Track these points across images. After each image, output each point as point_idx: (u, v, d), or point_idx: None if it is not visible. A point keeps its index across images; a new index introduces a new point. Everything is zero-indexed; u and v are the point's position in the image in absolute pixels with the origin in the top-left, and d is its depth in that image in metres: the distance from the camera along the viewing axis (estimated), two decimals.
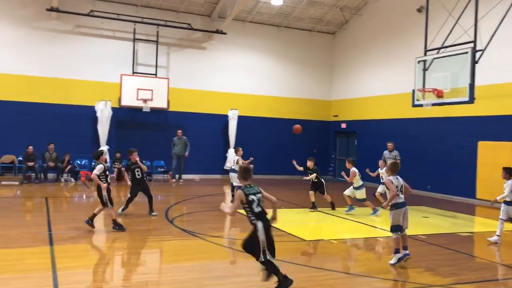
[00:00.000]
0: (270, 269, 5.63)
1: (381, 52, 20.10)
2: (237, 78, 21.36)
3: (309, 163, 12.68)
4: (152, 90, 18.79)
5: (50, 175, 17.10)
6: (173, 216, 10.86)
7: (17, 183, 15.87)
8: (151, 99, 18.75)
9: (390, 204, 7.27)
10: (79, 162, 18.01)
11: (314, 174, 12.55)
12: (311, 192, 12.49)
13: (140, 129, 19.40)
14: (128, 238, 8.58)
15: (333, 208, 12.44)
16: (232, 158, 16.77)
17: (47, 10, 17.94)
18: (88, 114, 18.46)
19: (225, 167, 20.58)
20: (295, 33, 22.59)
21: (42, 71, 18.24)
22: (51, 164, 16.76)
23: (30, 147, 16.43)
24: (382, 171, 12.64)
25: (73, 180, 17.31)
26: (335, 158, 23.20)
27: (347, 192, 12.34)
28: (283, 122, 21.79)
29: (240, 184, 6.06)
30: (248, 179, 5.91)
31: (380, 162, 13.25)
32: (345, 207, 12.33)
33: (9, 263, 6.64)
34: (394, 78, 19.04)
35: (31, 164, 16.16)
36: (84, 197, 14.48)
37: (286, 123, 21.93)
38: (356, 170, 12.08)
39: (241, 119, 20.78)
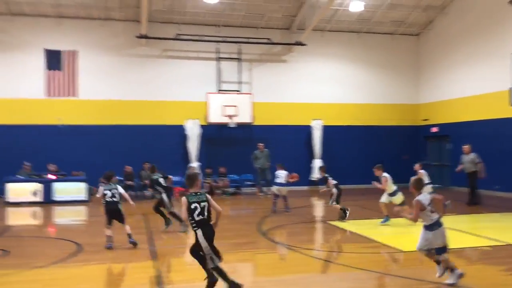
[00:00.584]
0: (221, 276, 5.72)
1: (471, 50, 19.02)
2: (319, 88, 21.27)
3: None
4: (236, 106, 19.28)
5: (147, 193, 18.05)
6: (265, 228, 10.97)
7: None
8: (236, 115, 19.22)
9: (425, 224, 6.29)
10: (172, 179, 18.81)
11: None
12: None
13: (227, 144, 19.91)
14: (223, 252, 8.78)
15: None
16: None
17: (137, 37, 19.12)
18: (179, 132, 19.31)
19: (310, 178, 20.50)
20: (376, 37, 22.09)
21: (134, 95, 19.43)
22: (147, 182, 17.68)
23: (128, 167, 17.50)
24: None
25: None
26: (428, 164, 22.14)
27: (383, 199, 11.44)
28: (368, 130, 21.31)
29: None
30: (193, 186, 6.04)
31: (416, 166, 12.97)
32: (378, 218, 11.52)
33: (115, 278, 7.07)
34: (487, 76, 17.92)
35: (129, 183, 17.19)
36: (179, 212, 15.04)
37: (372, 131, 21.47)
38: (388, 175, 11.38)
39: (325, 129, 20.62)
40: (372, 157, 20.63)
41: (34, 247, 9.17)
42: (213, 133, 19.92)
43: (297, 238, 9.95)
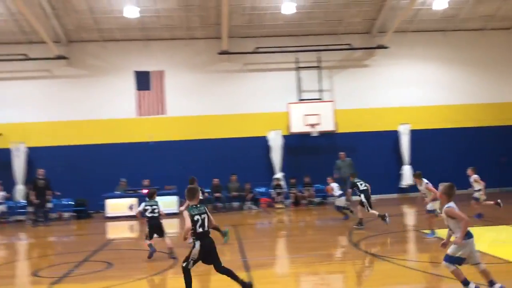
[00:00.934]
0: (185, 277, 6.16)
1: None
2: (405, 91, 20.51)
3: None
4: (319, 114, 19.10)
5: (235, 204, 18.41)
6: (356, 239, 10.70)
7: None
8: (319, 123, 19.05)
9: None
10: (258, 190, 19.05)
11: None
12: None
13: (311, 154, 19.78)
14: (316, 262, 8.68)
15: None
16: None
17: (218, 53, 19.70)
18: (262, 144, 19.54)
19: (400, 186, 19.75)
20: (464, 35, 20.92)
21: (218, 109, 19.98)
22: (235, 193, 18.08)
23: (216, 180, 17.99)
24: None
25: (255, 207, 18.33)
26: None
27: (433, 207, 10.36)
28: (461, 132, 20.17)
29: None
30: (193, 199, 6.26)
31: (469, 171, 12.51)
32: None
33: None
34: None
35: (217, 195, 17.65)
36: (267, 223, 15.17)
37: (465, 132, 20.29)
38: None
39: (414, 133, 19.79)
40: (465, 161, 19.48)
41: (134, 260, 9.63)
42: (296, 143, 19.90)
43: (390, 248, 9.59)
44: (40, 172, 16.84)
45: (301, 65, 20.16)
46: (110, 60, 19.94)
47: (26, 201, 17.36)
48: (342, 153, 18.48)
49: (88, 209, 18.04)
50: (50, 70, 19.65)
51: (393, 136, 20.12)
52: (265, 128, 19.54)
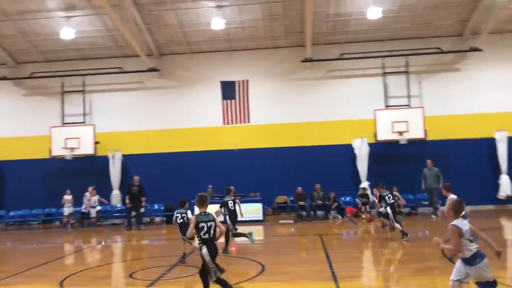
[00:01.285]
0: (224, 286, 6.43)
1: None
2: (501, 96, 19.19)
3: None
4: (407, 121, 18.41)
5: (319, 213, 18.22)
6: None
7: (291, 221, 17.41)
8: (407, 131, 18.36)
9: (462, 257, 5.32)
10: (343, 199, 18.73)
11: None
12: None
13: (397, 162, 19.09)
14: (406, 276, 8.33)
15: None
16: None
17: (302, 61, 19.72)
18: (347, 152, 19.21)
19: (498, 196, 18.45)
20: None
21: (301, 117, 19.98)
22: (319, 202, 17.90)
23: (299, 188, 17.94)
24: None
25: (340, 217, 18.02)
26: None
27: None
28: None
29: None
30: (202, 207, 6.60)
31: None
32: None
33: None
34: None
35: (301, 203, 17.58)
36: (353, 233, 14.85)
37: None
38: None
39: None
40: None
41: (223, 266, 9.78)
42: (382, 151, 19.33)
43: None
44: (136, 179, 17.81)
45: (388, 70, 19.62)
46: (198, 71, 20.70)
47: (122, 206, 18.48)
48: (429, 161, 17.51)
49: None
50: (143, 82, 20.81)
51: (489, 143, 18.87)
52: (350, 135, 19.21)
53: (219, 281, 6.57)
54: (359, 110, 19.47)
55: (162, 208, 19.10)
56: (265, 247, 13.25)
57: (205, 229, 6.47)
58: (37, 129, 20.36)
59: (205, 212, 6.61)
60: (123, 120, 20.58)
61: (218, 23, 17.75)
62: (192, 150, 20.17)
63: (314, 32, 18.62)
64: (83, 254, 12.95)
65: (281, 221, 17.65)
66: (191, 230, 6.58)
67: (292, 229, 15.89)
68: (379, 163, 19.19)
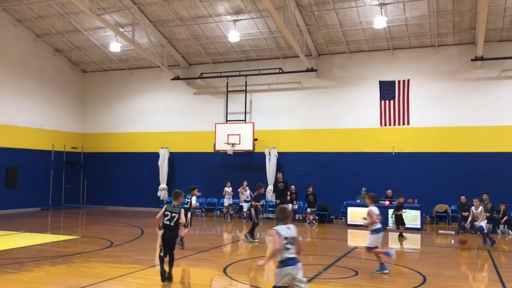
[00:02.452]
0: (160, 263, 8.01)
1: None
2: None
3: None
4: None
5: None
6: None
7: (452, 232, 16.15)
8: None
9: None
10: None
11: None
12: None
13: None
14: None
15: None
16: None
17: (472, 60, 18.14)
18: None
19: None
20: None
21: (468, 120, 18.46)
22: (487, 214, 16.21)
23: (463, 197, 16.53)
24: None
25: (510, 232, 16.21)
26: None
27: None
28: None
29: None
30: (175, 200, 8.41)
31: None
32: None
33: None
34: None
35: (465, 214, 16.14)
36: None
37: None
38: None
39: None
40: None
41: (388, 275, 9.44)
42: None
43: None
44: (279, 175, 19.03)
45: None
46: (356, 70, 20.40)
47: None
48: None
49: (330, 214, 18.75)
50: (301, 82, 21.23)
51: None
52: None
53: (160, 258, 8.09)
54: None
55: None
56: (420, 256, 12.48)
57: (168, 217, 8.08)
58: (204, 125, 22.15)
59: (175, 205, 8.26)
60: (280, 118, 21.25)
61: (380, 22, 17.21)
62: (347, 151, 19.97)
63: (488, 28, 16.97)
64: (241, 244, 13.64)
65: (441, 231, 16.48)
66: (158, 216, 8.23)
67: (452, 241, 14.71)
68: None
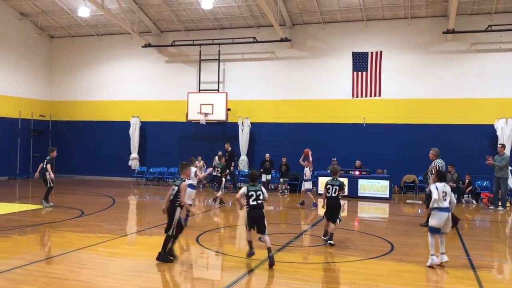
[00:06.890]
0: (167, 241, 7.46)
1: None
2: None
3: None
4: None
5: None
6: None
7: (419, 202, 16.62)
8: None
9: None
10: (479, 183, 17.37)
11: None
12: None
13: None
14: None
15: None
16: None
17: (443, 33, 18.32)
18: (488, 133, 17.70)
19: None
20: None
21: (438, 93, 18.76)
22: (452, 184, 16.73)
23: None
24: None
25: (474, 202, 16.80)
26: None
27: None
28: None
29: None
30: (182, 173, 7.98)
31: None
32: None
33: (434, 283, 6.84)
34: None
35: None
36: (488, 221, 13.74)
37: None
38: None
39: None
40: None
41: (351, 241, 9.69)
42: None
43: None
44: (226, 146, 19.24)
45: None
46: (329, 41, 20.36)
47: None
48: None
49: (300, 184, 18.94)
50: (274, 52, 21.07)
51: None
52: (493, 115, 17.64)
53: (168, 236, 7.50)
54: (505, 88, 17.71)
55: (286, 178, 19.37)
56: (388, 225, 12.86)
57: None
58: (176, 94, 21.85)
59: (181, 178, 7.79)
60: (254, 88, 21.14)
61: None
62: (318, 122, 20.09)
63: (460, 1, 17.11)
64: (213, 214, 13.72)
65: (408, 201, 16.96)
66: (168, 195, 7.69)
67: (419, 210, 15.17)
68: None
